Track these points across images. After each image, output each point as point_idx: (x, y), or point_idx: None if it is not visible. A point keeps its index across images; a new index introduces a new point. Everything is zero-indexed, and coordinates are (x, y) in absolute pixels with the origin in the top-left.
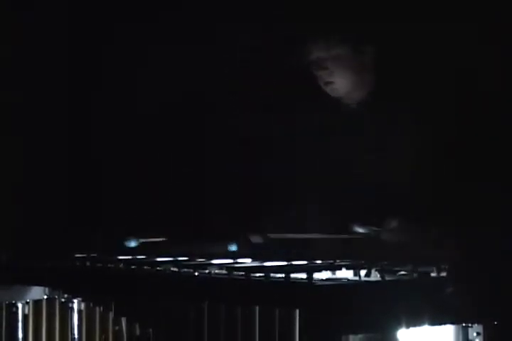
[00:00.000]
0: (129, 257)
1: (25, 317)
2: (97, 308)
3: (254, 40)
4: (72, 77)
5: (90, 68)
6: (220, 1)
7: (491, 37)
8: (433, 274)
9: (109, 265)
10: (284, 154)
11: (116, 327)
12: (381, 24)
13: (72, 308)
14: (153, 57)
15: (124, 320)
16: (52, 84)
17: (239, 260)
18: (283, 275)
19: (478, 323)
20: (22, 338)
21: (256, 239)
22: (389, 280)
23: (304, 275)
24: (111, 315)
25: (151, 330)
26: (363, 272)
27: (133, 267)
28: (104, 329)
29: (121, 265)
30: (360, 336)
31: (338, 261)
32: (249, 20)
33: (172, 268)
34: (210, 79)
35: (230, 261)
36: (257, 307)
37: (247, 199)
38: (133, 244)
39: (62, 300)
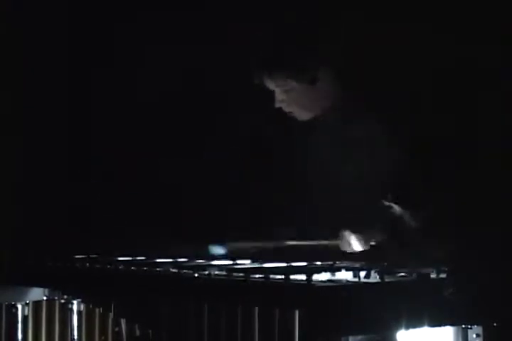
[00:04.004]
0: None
1: (24, 318)
2: (97, 309)
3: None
4: (71, 76)
5: (90, 69)
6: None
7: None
8: (432, 276)
9: (108, 266)
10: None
11: (116, 328)
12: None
13: (71, 309)
14: (153, 56)
15: (123, 321)
16: (52, 83)
17: (238, 261)
18: (282, 276)
19: (477, 325)
20: (21, 339)
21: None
22: (388, 282)
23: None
24: (111, 316)
25: (150, 331)
26: (362, 273)
27: (133, 268)
28: (103, 331)
29: (121, 266)
30: (359, 337)
31: (337, 262)
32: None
33: (172, 270)
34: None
35: (230, 262)
36: (257, 309)
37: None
38: (220, 250)
39: (62, 301)
